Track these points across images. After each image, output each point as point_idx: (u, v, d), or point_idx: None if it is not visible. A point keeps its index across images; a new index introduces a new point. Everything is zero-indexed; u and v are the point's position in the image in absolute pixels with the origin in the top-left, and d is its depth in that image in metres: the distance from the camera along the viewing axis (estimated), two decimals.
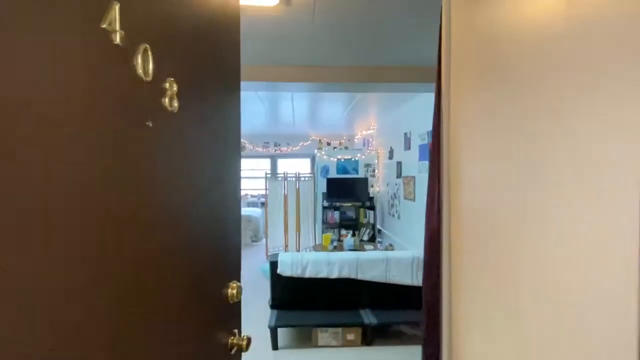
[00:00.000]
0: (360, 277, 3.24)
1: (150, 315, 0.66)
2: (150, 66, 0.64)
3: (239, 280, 1.09)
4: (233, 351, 1.03)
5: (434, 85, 2.59)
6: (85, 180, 0.51)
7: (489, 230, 1.04)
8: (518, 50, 0.93)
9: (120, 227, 0.58)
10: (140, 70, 0.61)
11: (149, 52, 0.64)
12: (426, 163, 4.23)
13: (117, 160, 0.58)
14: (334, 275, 3.22)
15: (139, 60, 0.61)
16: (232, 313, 1.08)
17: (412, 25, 2.00)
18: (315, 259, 3.24)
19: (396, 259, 3.27)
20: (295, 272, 3.21)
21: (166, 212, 0.72)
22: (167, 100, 0.70)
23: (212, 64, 0.94)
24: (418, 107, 4.61)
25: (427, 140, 4.20)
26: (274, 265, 3.25)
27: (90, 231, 0.51)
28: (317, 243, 6.38)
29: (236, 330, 1.07)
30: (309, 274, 3.22)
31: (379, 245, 5.85)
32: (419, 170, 4.47)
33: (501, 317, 1.00)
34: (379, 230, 6.33)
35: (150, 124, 0.66)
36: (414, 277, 3.26)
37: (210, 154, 0.93)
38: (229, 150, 1.05)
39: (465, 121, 1.21)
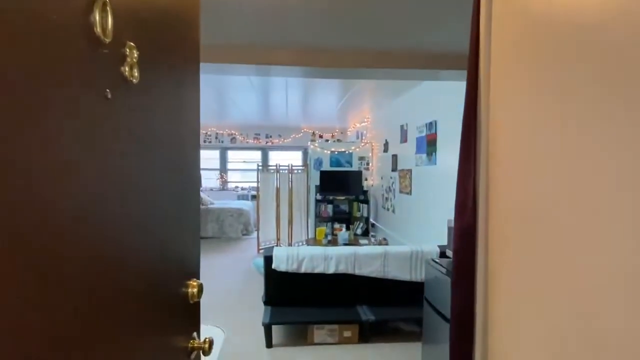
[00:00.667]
0: (357, 272, 3.14)
1: (97, 319, 0.56)
2: (110, 23, 0.53)
3: (198, 278, 0.99)
4: (193, 355, 0.94)
5: (437, 72, 2.49)
6: (26, 163, 0.40)
7: (535, 227, 0.93)
8: (571, 29, 0.82)
9: (64, 215, 0.48)
10: (98, 29, 0.51)
11: (108, 7, 0.53)
12: (423, 156, 4.14)
13: (69, 136, 0.47)
14: (331, 270, 3.11)
15: (97, 16, 0.51)
16: (192, 314, 0.99)
17: (420, 2, 1.87)
18: (311, 253, 3.13)
19: (394, 254, 3.18)
20: (291, 267, 3.09)
21: (118, 201, 0.62)
22: (127, 68, 0.61)
23: (171, 35, 0.85)
24: (416, 98, 4.50)
25: (425, 133, 4.10)
26: (268, 260, 3.13)
27: (28, 222, 0.41)
28: (310, 237, 6.28)
29: (195, 333, 0.99)
30: (304, 269, 3.10)
31: (372, 239, 5.77)
32: (415, 163, 4.38)
33: (550, 326, 0.90)
34: (373, 224, 6.25)
35: (109, 95, 0.56)
36: (412, 273, 3.18)
37: (171, 137, 0.84)
38: (189, 134, 0.95)
39: (507, 106, 1.09)
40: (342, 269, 3.12)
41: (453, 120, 3.45)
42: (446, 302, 2.33)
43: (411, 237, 4.59)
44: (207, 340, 0.98)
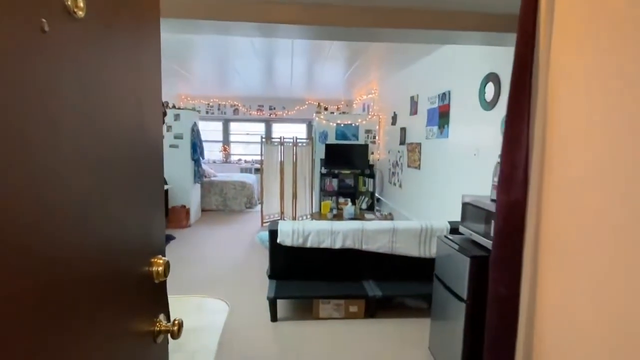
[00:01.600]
0: (364, 248, 3.06)
1: (43, 304, 0.47)
2: None
3: (164, 255, 0.88)
4: (159, 339, 0.86)
5: (459, 34, 2.29)
6: None
7: (601, 207, 0.80)
8: None
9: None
10: None
11: None
12: (434, 129, 3.97)
13: None
14: (337, 245, 3.02)
15: None
16: (158, 294, 0.89)
17: None
18: (317, 228, 3.03)
19: (403, 230, 3.08)
20: (296, 242, 3.01)
21: (67, 165, 0.50)
22: None
23: None
24: (428, 67, 4.28)
25: (437, 104, 3.91)
26: (273, 234, 3.04)
27: None
28: (315, 211, 6.20)
29: (163, 315, 0.89)
30: (310, 244, 3.02)
31: (377, 214, 5.68)
32: (426, 136, 4.22)
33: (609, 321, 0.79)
34: (378, 199, 6.14)
35: (46, 27, 0.44)
36: (421, 249, 3.09)
37: (126, 94, 0.70)
38: (148, 94, 0.81)
39: (570, 74, 0.94)
40: (349, 244, 3.04)
41: (468, 89, 3.27)
42: (458, 279, 2.24)
43: (419, 212, 4.49)
44: (176, 322, 0.88)
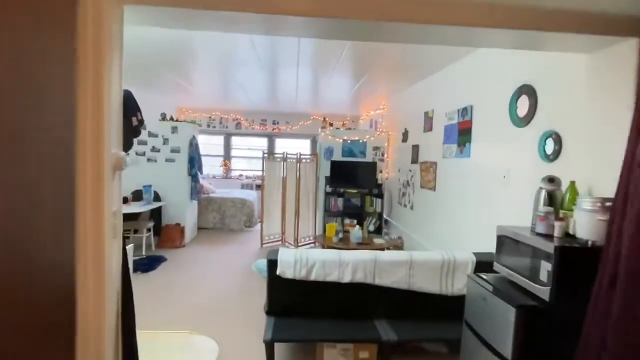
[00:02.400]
0: (377, 282, 2.65)
1: None
2: None
3: None
4: None
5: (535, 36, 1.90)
6: None
7: None
8: None
9: None
10: None
11: None
12: (453, 147, 3.60)
13: None
14: (346, 279, 2.62)
15: None
16: None
17: None
18: (323, 258, 2.63)
19: (421, 262, 2.67)
20: (299, 274, 2.60)
21: None
22: None
23: None
24: (445, 81, 3.94)
25: (456, 120, 3.56)
26: (272, 264, 2.64)
27: None
28: (318, 233, 5.79)
29: None
30: (315, 276, 2.61)
31: (386, 237, 5.27)
32: (443, 155, 3.85)
33: None
34: (386, 221, 5.74)
35: None
36: (442, 285, 2.67)
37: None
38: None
39: None
40: (360, 277, 2.63)
41: (495, 103, 2.91)
42: (497, 331, 1.82)
43: (432, 237, 4.08)
44: None
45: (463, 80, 3.50)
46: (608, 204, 1.62)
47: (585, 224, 1.69)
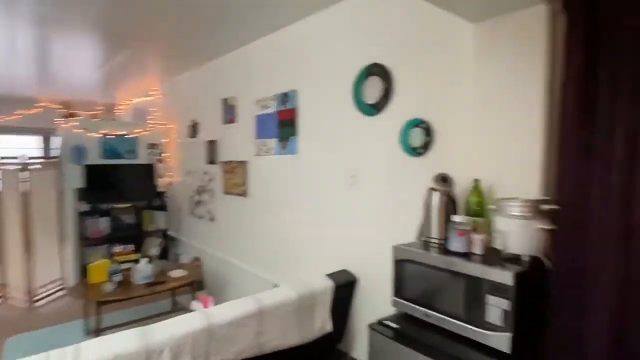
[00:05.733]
0: (216, 359, 1.63)
1: None
2: None
3: None
4: None
5: None
6: None
7: None
8: None
9: None
10: None
11: None
12: (271, 142, 2.90)
13: None
14: None
15: None
16: None
17: None
18: (116, 353, 1.38)
19: (273, 309, 1.83)
20: None
21: None
22: None
23: None
24: (252, 59, 3.17)
25: (274, 109, 2.86)
26: None
27: None
28: (75, 280, 3.92)
29: None
30: None
31: (178, 259, 4.09)
32: (256, 152, 3.08)
33: None
34: (173, 239, 4.50)
35: None
36: (302, 331, 1.93)
37: None
38: None
39: None
40: None
41: (332, 88, 2.38)
42: None
43: (246, 254, 3.29)
44: None
45: (281, 57, 2.82)
46: (546, 207, 1.29)
47: (520, 235, 1.31)
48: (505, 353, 1.18)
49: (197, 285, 3.33)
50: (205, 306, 2.36)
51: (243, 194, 3.30)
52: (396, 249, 1.53)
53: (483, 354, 1.22)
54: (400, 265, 1.51)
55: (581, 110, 1.19)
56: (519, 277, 1.17)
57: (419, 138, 1.88)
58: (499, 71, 1.53)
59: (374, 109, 2.10)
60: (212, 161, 3.75)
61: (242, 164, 3.28)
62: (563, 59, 1.26)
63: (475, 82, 1.62)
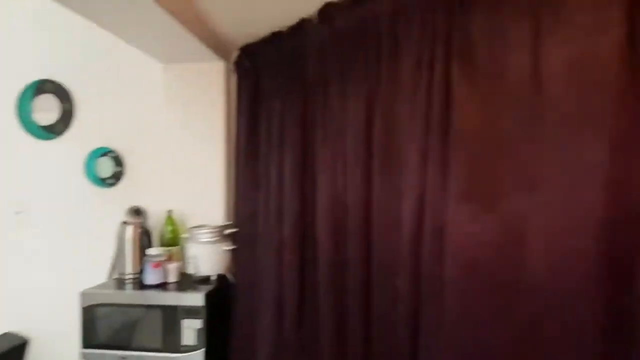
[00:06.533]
0: None
1: None
2: None
3: None
4: None
5: None
6: None
7: None
8: None
9: None
10: None
11: None
12: None
13: None
14: None
15: None
16: None
17: None
18: None
19: None
20: None
21: None
22: None
23: None
24: None
25: None
26: None
27: None
28: None
29: None
30: None
31: None
32: None
33: None
34: None
35: None
36: None
37: None
38: None
39: None
40: None
41: None
42: None
43: None
44: None
45: None
46: (229, 230, 1.53)
47: (209, 258, 1.49)
48: None
49: None
50: None
51: None
52: (84, 295, 1.37)
53: None
54: (90, 311, 1.37)
55: (248, 154, 1.51)
56: (208, 296, 1.33)
57: (109, 168, 1.77)
58: (186, 112, 1.69)
59: (50, 132, 1.79)
60: None
61: None
62: (236, 107, 1.56)
63: (166, 118, 1.71)
